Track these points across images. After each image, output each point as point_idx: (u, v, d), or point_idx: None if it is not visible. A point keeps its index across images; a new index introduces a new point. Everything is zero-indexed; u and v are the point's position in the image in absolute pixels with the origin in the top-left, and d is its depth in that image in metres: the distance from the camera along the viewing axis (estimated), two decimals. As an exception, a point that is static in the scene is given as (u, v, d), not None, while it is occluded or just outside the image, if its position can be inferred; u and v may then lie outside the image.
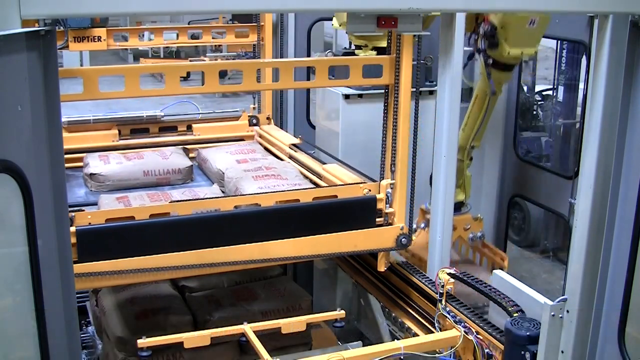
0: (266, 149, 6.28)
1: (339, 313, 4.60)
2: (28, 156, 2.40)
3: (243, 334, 4.37)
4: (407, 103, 4.57)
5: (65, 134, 6.07)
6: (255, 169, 5.30)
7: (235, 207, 4.47)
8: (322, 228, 4.53)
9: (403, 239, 4.71)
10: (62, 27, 6.18)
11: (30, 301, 2.46)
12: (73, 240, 3.94)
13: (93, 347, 5.71)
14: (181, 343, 4.26)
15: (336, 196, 4.69)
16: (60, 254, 2.60)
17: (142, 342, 4.18)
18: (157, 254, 4.18)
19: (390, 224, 4.72)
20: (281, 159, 5.96)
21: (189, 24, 20.50)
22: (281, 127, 7.13)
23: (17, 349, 2.67)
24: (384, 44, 5.96)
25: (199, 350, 4.39)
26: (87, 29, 6.23)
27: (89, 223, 4.14)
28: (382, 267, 4.88)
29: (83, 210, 4.23)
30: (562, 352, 3.42)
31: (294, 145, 6.03)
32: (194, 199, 4.56)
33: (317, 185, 5.24)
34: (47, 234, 2.51)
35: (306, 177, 5.43)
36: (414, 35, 4.65)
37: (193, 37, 22.51)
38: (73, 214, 4.09)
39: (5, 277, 2.58)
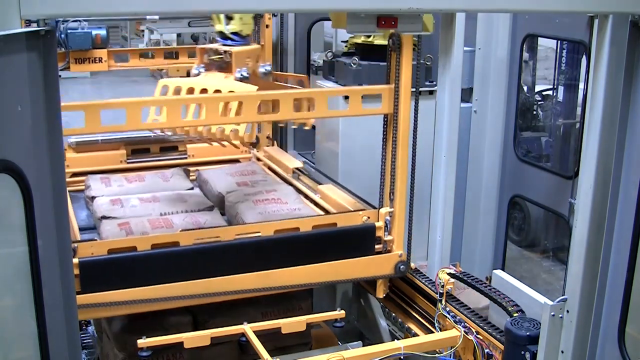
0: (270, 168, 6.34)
1: (339, 313, 4.61)
2: (28, 156, 2.40)
3: (243, 334, 4.38)
4: (406, 132, 4.59)
5: (73, 154, 6.13)
6: (255, 193, 5.33)
7: (236, 236, 4.51)
8: (322, 256, 4.59)
9: (402, 266, 4.76)
10: (63, 49, 6.21)
11: (30, 301, 2.46)
12: (76, 271, 3.99)
13: (93, 347, 5.71)
14: (181, 343, 4.26)
15: (335, 224, 4.75)
16: (60, 254, 2.60)
17: (142, 342, 4.18)
18: (159, 284, 4.24)
19: (389, 252, 4.76)
20: (281, 176, 6.01)
21: (189, 24, 20.51)
22: (281, 129, 7.14)
23: (17, 349, 2.68)
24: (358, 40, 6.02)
25: (199, 350, 4.39)
26: (88, 50, 6.27)
27: (92, 253, 4.20)
28: (380, 294, 4.94)
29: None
30: (562, 352, 3.42)
31: (298, 169, 6.07)
32: (195, 229, 4.57)
33: (317, 205, 5.34)
34: (47, 234, 2.51)
35: (307, 196, 5.51)
36: (414, 36, 4.65)
37: (193, 37, 22.59)
38: (76, 244, 4.15)
39: (5, 277, 2.58)
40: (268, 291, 4.47)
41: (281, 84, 5.24)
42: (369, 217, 4.76)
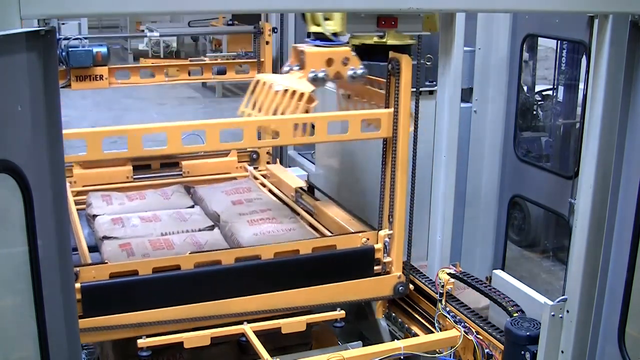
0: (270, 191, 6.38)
1: (339, 313, 4.61)
2: (28, 156, 2.40)
3: (243, 334, 4.38)
4: (405, 156, 4.61)
5: (80, 171, 6.15)
6: (250, 213, 5.35)
7: (236, 259, 4.54)
8: (322, 277, 4.64)
9: (400, 287, 4.80)
10: (64, 67, 6.22)
11: (30, 301, 2.46)
12: (78, 296, 4.02)
13: (93, 347, 5.71)
14: (181, 343, 4.27)
15: (335, 246, 4.80)
16: (60, 254, 2.60)
17: (142, 342, 4.19)
18: (161, 308, 4.28)
19: (388, 273, 4.80)
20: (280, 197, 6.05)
21: (189, 24, 20.54)
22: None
23: (17, 349, 2.67)
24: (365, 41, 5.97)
25: (199, 350, 4.39)
26: (89, 67, 6.30)
27: (94, 277, 4.23)
28: (380, 315, 4.99)
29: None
30: (562, 352, 3.42)
31: (301, 188, 6.08)
32: (196, 252, 4.56)
33: (311, 227, 5.41)
34: (47, 234, 2.51)
35: (302, 217, 5.59)
36: (415, 36, 4.65)
37: (193, 37, 22.42)
38: (78, 269, 4.17)
39: (5, 277, 2.58)
40: (268, 313, 4.49)
41: (374, 89, 5.25)
42: (368, 239, 4.82)
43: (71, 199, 5.73)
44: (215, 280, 4.44)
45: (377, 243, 4.78)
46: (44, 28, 2.36)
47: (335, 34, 4.78)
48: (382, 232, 4.77)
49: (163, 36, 17.11)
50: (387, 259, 4.77)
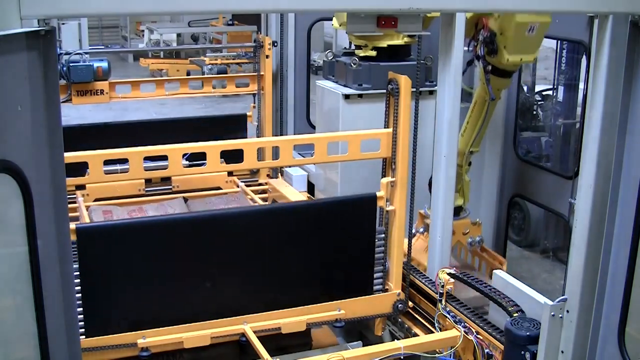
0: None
1: (339, 313, 4.61)
2: (28, 156, 2.40)
3: (243, 334, 4.38)
4: (405, 175, 4.66)
5: (92, 185, 6.09)
6: None
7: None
8: (318, 229, 4.61)
9: (400, 305, 4.82)
10: (65, 81, 6.26)
11: (30, 301, 2.46)
12: (73, 237, 3.95)
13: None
14: (181, 343, 4.27)
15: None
16: (60, 254, 2.60)
17: (142, 342, 4.19)
18: (165, 327, 4.27)
19: (387, 291, 4.82)
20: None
21: (189, 24, 20.55)
22: (281, 127, 7.15)
23: (17, 349, 2.67)
24: (384, 44, 5.98)
25: (199, 350, 4.40)
26: (90, 82, 6.35)
27: None
28: (379, 332, 5.00)
29: None
30: (562, 352, 3.42)
31: None
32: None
33: None
34: (47, 234, 2.51)
35: None
36: (415, 36, 4.66)
37: (193, 37, 22.42)
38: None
39: (5, 277, 2.58)
40: (269, 332, 4.49)
41: None
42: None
43: (85, 213, 5.72)
44: (211, 229, 4.37)
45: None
46: (44, 28, 2.36)
47: None
48: (384, 180, 4.70)
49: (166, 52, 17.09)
50: (390, 208, 4.70)
